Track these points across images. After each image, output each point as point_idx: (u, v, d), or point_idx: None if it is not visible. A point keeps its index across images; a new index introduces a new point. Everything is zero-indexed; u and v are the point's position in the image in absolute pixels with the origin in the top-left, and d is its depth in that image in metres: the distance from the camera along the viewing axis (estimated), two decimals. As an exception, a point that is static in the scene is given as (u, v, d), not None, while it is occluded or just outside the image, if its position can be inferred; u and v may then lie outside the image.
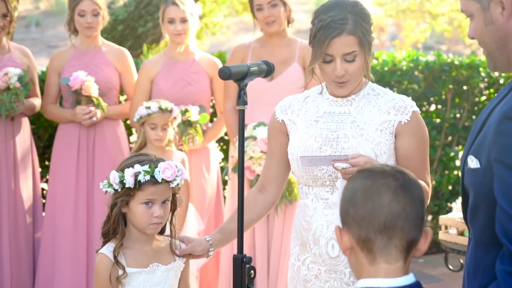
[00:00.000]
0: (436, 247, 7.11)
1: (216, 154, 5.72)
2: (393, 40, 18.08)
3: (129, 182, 3.10)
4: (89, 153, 5.52)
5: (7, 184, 5.48)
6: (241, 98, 2.97)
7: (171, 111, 5.07)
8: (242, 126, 2.96)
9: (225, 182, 6.17)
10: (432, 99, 7.29)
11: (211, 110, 5.90)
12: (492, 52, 2.53)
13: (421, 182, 3.23)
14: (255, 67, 3.06)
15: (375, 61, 7.14)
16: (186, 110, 5.31)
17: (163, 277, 3.20)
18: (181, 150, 5.30)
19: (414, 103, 3.33)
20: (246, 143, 5.04)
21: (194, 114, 5.35)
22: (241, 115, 2.97)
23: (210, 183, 5.56)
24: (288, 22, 5.35)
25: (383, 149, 3.24)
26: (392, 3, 15.84)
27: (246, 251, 5.04)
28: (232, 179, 5.31)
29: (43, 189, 6.07)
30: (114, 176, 3.12)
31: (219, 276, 5.40)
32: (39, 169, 5.91)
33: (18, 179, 5.53)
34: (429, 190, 3.32)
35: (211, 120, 5.87)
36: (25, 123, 5.64)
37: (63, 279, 5.47)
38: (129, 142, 6.00)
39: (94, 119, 5.46)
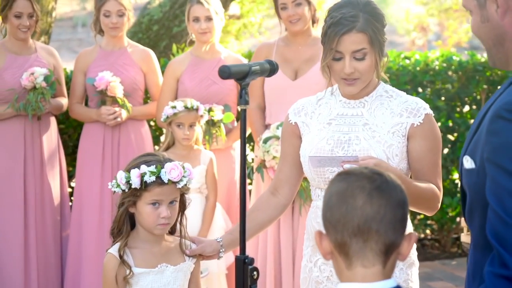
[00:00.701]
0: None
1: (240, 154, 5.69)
2: (437, 40, 17.91)
3: (135, 182, 3.10)
4: (113, 153, 5.55)
5: (34, 183, 5.53)
6: (243, 98, 2.95)
7: (197, 110, 5.08)
8: (244, 126, 2.94)
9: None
10: (466, 99, 7.19)
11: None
12: (490, 49, 2.50)
13: (431, 186, 3.22)
14: (257, 67, 3.03)
15: (407, 61, 7.07)
16: (210, 109, 5.31)
17: (172, 278, 3.20)
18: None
19: (427, 106, 3.29)
20: (269, 142, 5.03)
21: (217, 113, 5.34)
22: (243, 114, 2.95)
23: (237, 183, 5.54)
24: (313, 22, 5.31)
25: (395, 152, 3.21)
26: (435, 2, 15.68)
27: (271, 251, 5.07)
28: (256, 179, 5.29)
29: (72, 188, 6.10)
30: (121, 177, 3.13)
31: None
32: (69, 168, 5.96)
33: (45, 178, 5.59)
34: (440, 193, 3.27)
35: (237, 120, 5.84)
36: (52, 123, 5.69)
37: (90, 277, 5.51)
38: (160, 142, 6.01)
39: (119, 119, 5.48)
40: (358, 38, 3.15)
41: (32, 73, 5.39)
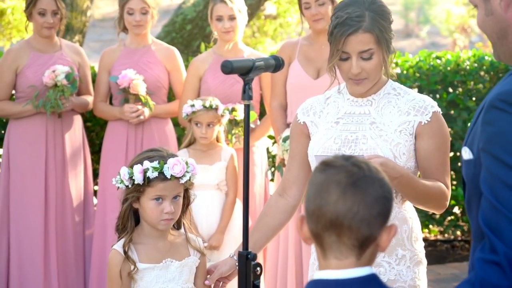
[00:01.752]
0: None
1: (263, 152, 5.71)
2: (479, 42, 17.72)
3: (138, 178, 3.12)
4: (137, 151, 5.57)
5: (55, 181, 5.58)
6: (246, 93, 2.95)
7: (216, 109, 5.09)
8: (247, 122, 2.94)
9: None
10: (497, 100, 7.09)
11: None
12: (495, 43, 2.49)
13: (439, 184, 3.20)
14: (261, 62, 3.02)
15: (438, 61, 7.02)
16: (233, 109, 5.32)
17: (177, 273, 3.21)
18: (230, 146, 5.32)
19: (435, 104, 3.27)
20: (288, 141, 5.02)
21: (241, 113, 5.35)
22: (246, 110, 2.95)
23: (259, 182, 5.55)
24: (336, 21, 5.28)
25: (402, 150, 3.19)
26: (476, 3, 15.43)
27: (292, 248, 5.06)
28: (277, 177, 5.30)
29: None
30: (124, 172, 3.15)
31: (265, 274, 5.40)
32: (96, 166, 6.01)
33: (67, 176, 5.63)
34: (448, 192, 3.25)
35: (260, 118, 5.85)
36: (77, 121, 5.73)
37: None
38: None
39: (142, 117, 5.51)
40: (365, 38, 3.13)
41: (54, 71, 5.43)
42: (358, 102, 3.31)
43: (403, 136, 3.20)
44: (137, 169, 3.11)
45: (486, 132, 2.27)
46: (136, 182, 3.12)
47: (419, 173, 3.30)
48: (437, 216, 7.24)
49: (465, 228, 7.46)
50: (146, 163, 3.12)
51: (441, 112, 3.28)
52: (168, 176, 3.12)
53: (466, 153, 2.39)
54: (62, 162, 5.61)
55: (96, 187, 6.11)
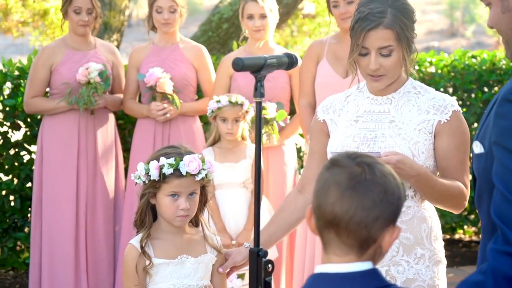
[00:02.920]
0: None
1: (293, 151, 5.71)
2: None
3: (154, 174, 3.14)
4: (164, 148, 5.61)
5: (86, 177, 5.63)
6: (258, 90, 2.94)
7: (241, 105, 5.11)
8: (259, 119, 2.94)
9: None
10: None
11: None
12: (509, 40, 2.48)
13: (458, 183, 3.18)
14: (274, 60, 3.00)
15: (473, 60, 6.95)
16: (263, 108, 5.33)
17: (192, 269, 3.22)
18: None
19: (455, 102, 3.25)
20: (309, 138, 5.03)
21: (270, 111, 5.36)
22: (258, 107, 2.94)
23: (289, 181, 5.55)
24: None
25: (421, 149, 3.18)
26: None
27: (311, 246, 5.05)
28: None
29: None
30: (141, 168, 3.17)
31: (293, 271, 5.40)
32: (127, 164, 6.06)
33: (99, 172, 5.69)
34: (467, 191, 3.24)
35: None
36: (109, 118, 5.78)
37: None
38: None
39: (168, 115, 5.55)
40: (385, 34, 3.13)
41: (87, 68, 5.48)
42: (378, 100, 3.30)
43: (422, 135, 3.20)
44: (153, 165, 3.13)
45: (499, 125, 2.28)
46: (152, 178, 3.15)
47: (438, 172, 3.28)
48: (472, 217, 7.18)
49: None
50: (162, 160, 3.14)
51: (461, 111, 3.26)
52: (184, 173, 3.14)
53: (478, 147, 2.39)
54: (94, 159, 5.67)
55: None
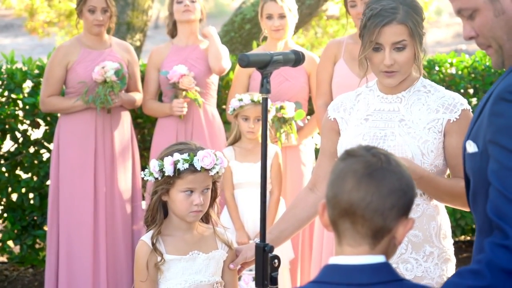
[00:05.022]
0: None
1: (311, 151, 5.71)
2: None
3: (169, 170, 3.16)
4: (187, 147, 5.63)
5: (104, 175, 5.66)
6: (264, 86, 2.95)
7: None
8: (265, 115, 2.95)
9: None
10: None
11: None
12: (503, 45, 2.45)
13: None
14: (280, 56, 3.01)
15: (479, 62, 6.91)
16: (282, 107, 5.34)
17: (203, 265, 3.24)
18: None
19: (464, 101, 3.25)
20: (320, 137, 5.04)
21: (289, 111, 5.37)
22: (264, 103, 2.96)
23: (305, 180, 5.55)
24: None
25: (430, 148, 3.19)
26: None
27: (328, 247, 5.05)
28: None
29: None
30: (154, 165, 3.19)
31: (311, 268, 5.40)
32: (146, 162, 6.08)
33: (116, 171, 5.71)
34: None
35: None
36: (125, 117, 5.80)
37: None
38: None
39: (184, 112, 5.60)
40: (399, 29, 3.15)
41: (103, 67, 5.51)
42: (388, 99, 3.31)
43: (432, 134, 3.20)
44: (168, 161, 3.15)
45: (494, 123, 2.27)
46: (166, 174, 3.16)
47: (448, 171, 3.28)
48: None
49: None
50: (177, 155, 3.16)
51: (470, 110, 3.25)
52: (198, 168, 3.15)
53: (471, 147, 2.38)
54: (111, 157, 5.69)
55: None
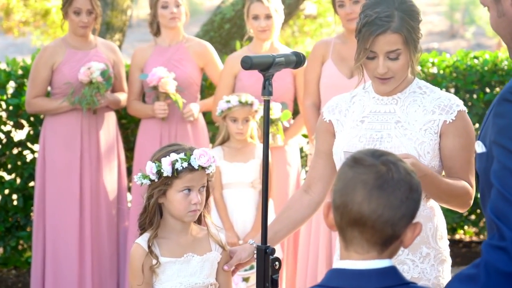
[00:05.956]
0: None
1: (297, 151, 5.72)
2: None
3: (167, 170, 3.14)
4: (171, 148, 5.61)
5: (90, 176, 5.65)
6: (266, 89, 2.96)
7: (251, 105, 5.13)
8: (267, 117, 2.95)
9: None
10: (536, 100, 7.02)
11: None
12: (508, 43, 2.49)
13: (463, 183, 3.20)
14: (282, 58, 3.02)
15: (475, 61, 6.97)
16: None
17: (198, 267, 3.23)
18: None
19: (461, 102, 3.26)
20: (315, 138, 5.04)
21: (275, 111, 5.37)
22: (266, 105, 2.96)
23: (292, 181, 5.56)
24: (370, 19, 5.27)
25: (427, 149, 3.19)
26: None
27: (324, 250, 5.07)
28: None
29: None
30: (151, 167, 3.17)
31: (297, 272, 5.41)
32: (131, 163, 6.07)
33: (101, 172, 5.70)
34: (472, 191, 3.25)
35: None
36: (111, 117, 5.80)
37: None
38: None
39: (192, 119, 5.59)
40: (393, 38, 3.13)
41: (89, 68, 5.49)
42: (384, 100, 3.31)
43: (428, 135, 3.21)
44: (166, 162, 3.14)
45: (497, 124, 2.29)
46: (164, 175, 3.15)
47: (443, 172, 3.30)
48: (473, 217, 7.19)
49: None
50: (174, 155, 3.14)
51: (466, 111, 3.27)
52: (196, 167, 3.15)
53: (479, 147, 2.41)
54: (97, 158, 5.69)
55: (130, 184, 6.16)
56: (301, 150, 6.59)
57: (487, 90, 6.97)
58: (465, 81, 6.84)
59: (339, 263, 2.18)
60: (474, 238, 7.58)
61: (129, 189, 6.13)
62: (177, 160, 3.14)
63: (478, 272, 2.20)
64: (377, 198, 2.10)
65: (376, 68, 3.17)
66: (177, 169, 3.14)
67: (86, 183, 5.63)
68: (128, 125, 6.43)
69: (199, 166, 3.16)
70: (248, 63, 2.95)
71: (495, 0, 2.45)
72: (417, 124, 3.22)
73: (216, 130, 6.36)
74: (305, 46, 11.44)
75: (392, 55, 3.15)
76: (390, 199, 2.10)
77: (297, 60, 3.09)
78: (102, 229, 5.71)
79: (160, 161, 3.16)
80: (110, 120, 5.79)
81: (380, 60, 3.15)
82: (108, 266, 5.76)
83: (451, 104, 3.23)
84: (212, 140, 6.02)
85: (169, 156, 3.16)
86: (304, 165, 5.68)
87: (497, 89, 6.93)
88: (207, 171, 3.20)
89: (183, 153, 3.16)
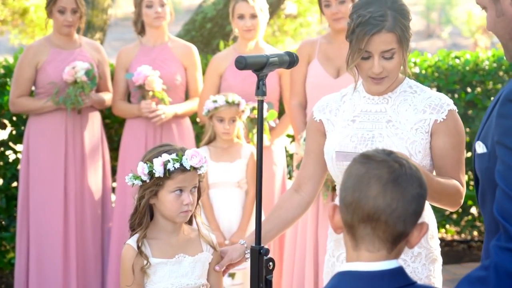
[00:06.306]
0: None
1: (282, 151, 5.73)
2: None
3: (159, 171, 3.13)
4: (157, 148, 5.59)
5: (74, 176, 5.62)
6: (260, 89, 2.96)
7: (238, 104, 5.12)
8: (260, 117, 2.95)
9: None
10: (516, 100, 7.08)
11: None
12: (506, 44, 2.50)
13: (454, 182, 3.21)
14: (276, 58, 3.02)
15: (457, 61, 7.01)
16: (254, 108, 5.34)
17: (189, 268, 3.22)
18: (249, 144, 5.34)
19: (451, 102, 3.27)
20: (305, 138, 5.05)
21: (261, 111, 5.36)
22: (260, 105, 2.96)
23: (278, 180, 5.57)
24: (356, 19, 5.29)
25: (418, 148, 3.21)
26: (498, 4, 15.38)
27: (311, 248, 5.06)
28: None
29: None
30: (143, 167, 3.16)
31: (282, 274, 5.41)
32: (114, 163, 6.04)
33: (86, 172, 5.67)
34: (463, 190, 3.26)
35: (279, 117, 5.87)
36: (95, 117, 5.77)
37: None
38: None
39: (163, 117, 5.54)
40: (388, 38, 3.14)
41: (74, 67, 5.47)
42: (374, 100, 3.32)
43: (419, 134, 3.22)
44: (158, 162, 3.13)
45: (501, 125, 2.30)
46: (156, 176, 3.14)
47: (433, 170, 3.31)
48: (454, 216, 7.23)
49: (482, 228, 7.44)
50: (165, 156, 3.14)
51: (457, 111, 3.29)
52: (188, 167, 3.14)
53: (480, 147, 2.41)
54: (81, 158, 5.66)
55: (114, 184, 6.15)
56: (285, 149, 6.59)
57: (469, 90, 7.01)
58: (446, 81, 6.88)
59: (347, 265, 2.18)
60: (456, 237, 7.62)
61: (113, 190, 6.10)
62: (169, 161, 3.14)
63: (488, 274, 2.20)
64: (391, 192, 2.12)
65: (371, 68, 3.18)
66: (169, 169, 3.14)
67: (70, 184, 5.60)
68: (112, 125, 6.40)
69: (191, 166, 3.16)
70: (242, 63, 2.95)
71: (493, 0, 2.46)
72: (408, 123, 3.23)
73: (200, 130, 6.36)
74: (285, 45, 11.44)
75: (386, 54, 3.16)
76: (404, 193, 2.13)
77: (290, 60, 3.09)
78: (87, 229, 5.68)
79: (151, 162, 3.15)
80: (95, 120, 5.76)
81: (376, 59, 3.16)
82: (92, 267, 5.73)
83: (441, 104, 3.25)
84: (197, 139, 6.01)
85: (160, 156, 3.15)
86: (290, 164, 5.68)
87: (478, 89, 6.98)
88: (199, 172, 3.20)
89: (174, 154, 3.15)
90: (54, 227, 5.56)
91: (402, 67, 3.25)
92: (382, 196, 2.12)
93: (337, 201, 3.29)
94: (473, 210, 7.33)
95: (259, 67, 2.98)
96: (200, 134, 6.39)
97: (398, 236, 2.15)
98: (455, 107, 3.27)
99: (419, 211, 2.17)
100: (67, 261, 5.60)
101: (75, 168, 5.62)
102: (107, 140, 5.96)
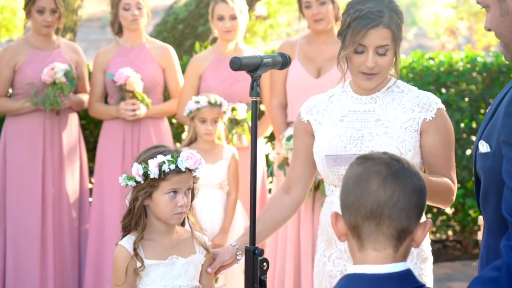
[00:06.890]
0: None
1: (261, 151, 5.72)
2: (467, 44, 17.83)
3: (154, 172, 3.11)
4: (134, 149, 5.57)
5: (52, 177, 5.59)
6: (254, 89, 2.96)
7: (220, 105, 5.11)
8: (255, 117, 2.95)
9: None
10: (490, 100, 7.16)
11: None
12: (509, 43, 2.51)
13: (445, 180, 3.23)
14: (269, 59, 3.03)
15: (431, 62, 7.06)
16: (234, 109, 5.33)
17: (182, 270, 3.20)
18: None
19: (439, 100, 3.30)
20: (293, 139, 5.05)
21: (241, 112, 5.36)
22: (254, 106, 2.96)
23: (258, 181, 5.56)
24: (336, 20, 5.32)
25: (408, 147, 3.22)
26: (464, 6, 15.61)
27: (291, 248, 5.06)
28: (278, 176, 5.31)
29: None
30: (138, 168, 3.13)
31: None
32: (90, 164, 6.00)
33: (64, 173, 5.65)
34: (454, 187, 3.28)
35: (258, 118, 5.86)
36: (73, 118, 5.74)
37: (111, 271, 5.54)
38: (182, 139, 6.02)
39: (138, 112, 5.50)
40: (384, 33, 3.17)
41: (52, 68, 5.44)
42: (362, 100, 3.33)
43: (408, 133, 3.23)
44: (153, 164, 3.10)
45: (509, 124, 2.31)
46: (151, 177, 3.11)
47: (424, 169, 3.32)
48: (429, 216, 7.27)
49: (457, 228, 7.50)
50: (160, 157, 3.11)
51: (445, 109, 3.31)
52: (183, 169, 3.12)
53: (483, 147, 2.42)
54: (59, 159, 5.63)
55: (90, 185, 6.10)
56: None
57: (443, 90, 7.07)
58: (421, 82, 6.93)
59: (355, 268, 2.18)
60: (431, 237, 7.67)
61: (90, 191, 6.06)
62: (164, 162, 3.11)
63: (500, 274, 2.21)
64: (392, 185, 2.14)
65: (364, 62, 3.19)
66: (164, 171, 3.11)
67: (48, 185, 5.57)
68: (88, 126, 6.38)
69: (186, 168, 3.14)
70: (237, 64, 2.96)
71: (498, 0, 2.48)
72: (397, 122, 3.25)
73: (175, 131, 6.33)
74: (255, 47, 11.45)
75: (381, 50, 3.19)
76: (404, 186, 2.14)
77: (283, 61, 3.10)
78: (64, 230, 5.65)
79: (146, 163, 3.13)
80: (73, 121, 5.74)
81: (370, 54, 3.18)
82: (69, 268, 5.70)
83: (430, 102, 3.27)
84: (176, 139, 5.99)
85: (156, 157, 3.13)
86: (270, 165, 5.68)
87: (452, 89, 7.03)
88: (194, 174, 3.18)
89: (170, 155, 3.13)
90: (32, 228, 5.53)
91: (393, 69, 3.28)
92: (383, 190, 2.14)
93: (337, 209, 3.30)
94: (448, 210, 7.38)
95: (253, 68, 2.99)
96: (176, 135, 6.38)
97: (403, 232, 2.15)
98: (443, 106, 3.30)
99: (420, 205, 2.18)
100: (44, 262, 5.57)
101: (53, 169, 5.59)
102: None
